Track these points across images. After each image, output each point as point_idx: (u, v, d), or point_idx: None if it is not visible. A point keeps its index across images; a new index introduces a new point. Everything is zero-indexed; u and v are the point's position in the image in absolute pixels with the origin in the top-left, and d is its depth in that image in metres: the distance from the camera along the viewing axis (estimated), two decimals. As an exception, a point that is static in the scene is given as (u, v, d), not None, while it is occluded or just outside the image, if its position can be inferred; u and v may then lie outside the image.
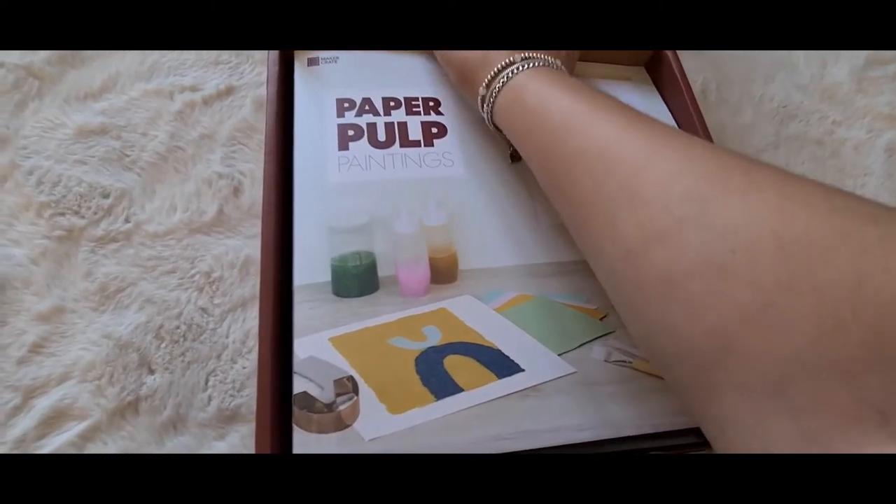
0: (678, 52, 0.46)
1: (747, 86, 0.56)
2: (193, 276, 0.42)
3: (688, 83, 0.45)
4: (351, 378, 0.30)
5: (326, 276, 0.33)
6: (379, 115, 0.39)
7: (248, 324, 0.41)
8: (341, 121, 0.38)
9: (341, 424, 0.29)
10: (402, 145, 0.38)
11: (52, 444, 0.36)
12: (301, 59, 0.40)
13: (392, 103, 0.40)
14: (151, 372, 0.39)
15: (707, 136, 0.43)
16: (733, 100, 0.55)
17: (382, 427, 0.29)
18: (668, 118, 0.44)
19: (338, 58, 0.40)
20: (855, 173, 0.52)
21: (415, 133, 0.39)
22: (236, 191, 0.45)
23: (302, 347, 0.31)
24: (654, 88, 0.46)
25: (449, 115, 0.40)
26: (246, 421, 0.38)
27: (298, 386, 0.30)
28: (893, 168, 0.53)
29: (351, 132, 0.38)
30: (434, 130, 0.39)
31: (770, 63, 0.57)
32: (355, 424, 0.29)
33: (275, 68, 0.40)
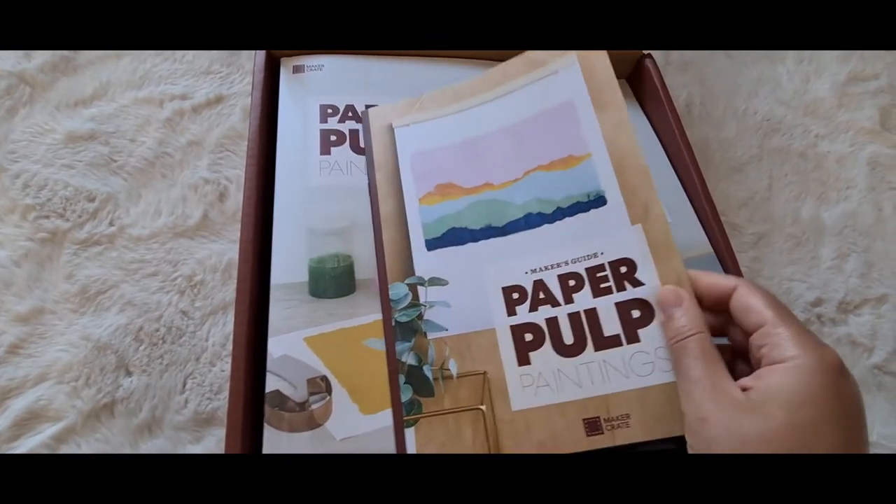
0: (660, 68, 0.47)
1: (731, 100, 0.56)
2: (175, 279, 0.42)
3: (669, 95, 0.46)
4: (324, 378, 0.30)
5: (304, 277, 0.33)
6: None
7: (228, 327, 0.41)
8: (324, 126, 0.39)
9: (313, 423, 0.29)
10: None
11: (26, 446, 0.36)
12: (287, 66, 0.41)
13: None
14: (129, 374, 0.38)
15: (688, 147, 0.43)
16: (717, 114, 0.56)
17: (354, 427, 0.29)
18: (648, 130, 0.45)
19: (322, 65, 0.41)
20: (838, 186, 0.53)
21: None
22: (222, 196, 0.45)
23: (276, 346, 0.31)
24: (636, 101, 0.47)
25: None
26: (222, 424, 0.38)
27: (271, 384, 0.30)
28: (876, 181, 0.53)
29: (333, 137, 0.38)
30: None
31: (754, 79, 0.58)
32: (327, 424, 0.29)
33: (260, 75, 0.41)
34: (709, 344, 0.26)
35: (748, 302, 0.26)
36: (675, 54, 0.58)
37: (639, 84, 0.48)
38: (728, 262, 0.38)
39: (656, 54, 0.48)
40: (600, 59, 0.35)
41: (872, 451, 0.41)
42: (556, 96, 0.35)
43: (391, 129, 0.37)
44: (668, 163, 0.43)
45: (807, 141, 0.55)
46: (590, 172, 0.33)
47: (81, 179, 0.44)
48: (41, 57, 0.49)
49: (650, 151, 0.43)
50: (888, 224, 0.51)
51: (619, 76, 0.48)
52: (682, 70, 0.57)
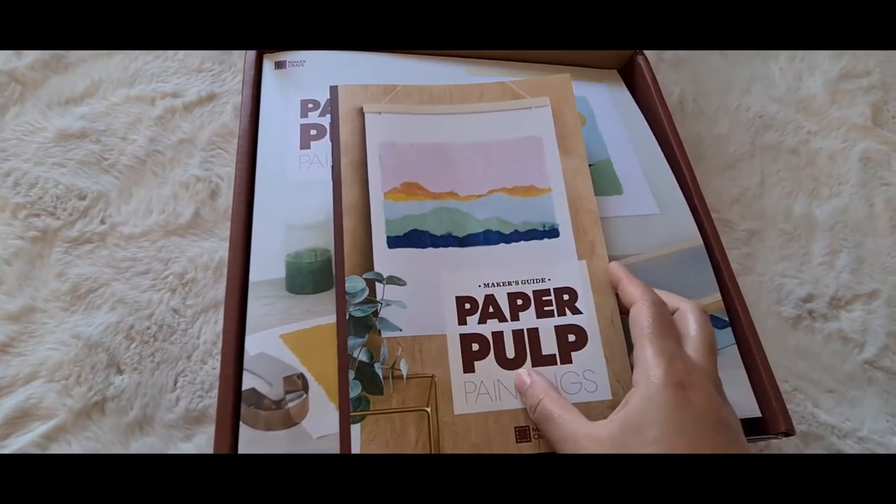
0: (653, 65, 0.47)
1: (724, 97, 0.57)
2: (167, 277, 0.42)
3: (660, 93, 0.46)
4: (301, 376, 0.30)
5: (282, 273, 0.33)
6: None
7: (219, 325, 0.40)
8: (304, 121, 0.38)
9: (289, 422, 0.29)
10: None
11: (15, 445, 0.36)
12: (269, 62, 0.41)
13: None
14: (120, 372, 0.38)
15: (679, 144, 0.43)
16: (710, 111, 0.56)
17: (331, 425, 0.29)
18: (640, 119, 0.45)
19: (304, 61, 0.41)
20: (830, 182, 0.53)
21: None
22: (213, 194, 0.45)
23: (253, 344, 0.31)
24: (627, 91, 0.47)
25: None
26: (213, 422, 0.37)
27: (247, 382, 0.30)
28: (868, 177, 0.53)
29: (313, 131, 0.38)
30: None
31: (746, 76, 0.58)
32: (303, 422, 0.29)
33: (251, 73, 0.41)
34: (553, 402, 0.29)
35: (636, 318, 0.29)
36: (669, 51, 0.58)
37: (630, 78, 0.48)
38: (718, 259, 0.38)
39: (649, 52, 0.48)
40: (569, 109, 0.38)
41: (865, 446, 0.41)
42: (527, 129, 0.37)
43: (361, 114, 0.37)
44: (661, 153, 0.43)
45: (799, 137, 0.55)
46: (548, 206, 0.36)
47: (72, 178, 0.44)
48: (32, 55, 0.48)
49: (642, 141, 0.43)
50: (879, 220, 0.51)
51: (611, 67, 0.48)
52: (675, 67, 0.57)
